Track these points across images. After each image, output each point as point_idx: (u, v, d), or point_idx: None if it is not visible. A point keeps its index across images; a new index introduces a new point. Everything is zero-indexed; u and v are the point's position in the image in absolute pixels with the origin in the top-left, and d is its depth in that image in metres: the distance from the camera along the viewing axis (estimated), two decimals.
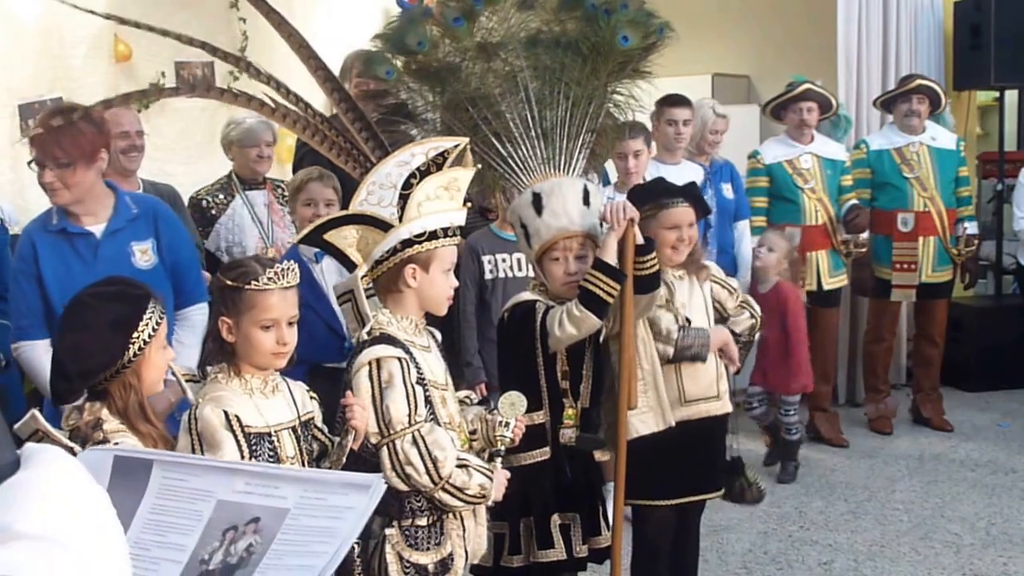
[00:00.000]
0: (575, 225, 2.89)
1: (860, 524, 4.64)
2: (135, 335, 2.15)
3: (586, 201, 2.92)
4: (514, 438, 2.61)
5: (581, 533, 3.00)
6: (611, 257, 2.84)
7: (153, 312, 2.20)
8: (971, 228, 5.92)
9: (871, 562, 4.23)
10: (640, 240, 2.91)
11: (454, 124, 3.01)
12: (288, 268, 2.30)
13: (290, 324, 2.31)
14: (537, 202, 2.91)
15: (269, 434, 2.25)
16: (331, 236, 2.52)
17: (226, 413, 2.20)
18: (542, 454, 2.91)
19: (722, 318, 3.41)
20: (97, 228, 3.18)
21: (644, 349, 3.12)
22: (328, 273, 3.66)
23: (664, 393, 3.14)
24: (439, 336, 2.72)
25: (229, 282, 2.28)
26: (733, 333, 3.38)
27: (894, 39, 6.60)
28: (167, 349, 2.27)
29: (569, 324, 2.83)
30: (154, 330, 2.18)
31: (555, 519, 2.96)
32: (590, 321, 2.83)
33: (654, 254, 2.94)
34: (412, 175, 2.49)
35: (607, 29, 3.02)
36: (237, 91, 2.77)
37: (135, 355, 2.16)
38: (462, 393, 2.79)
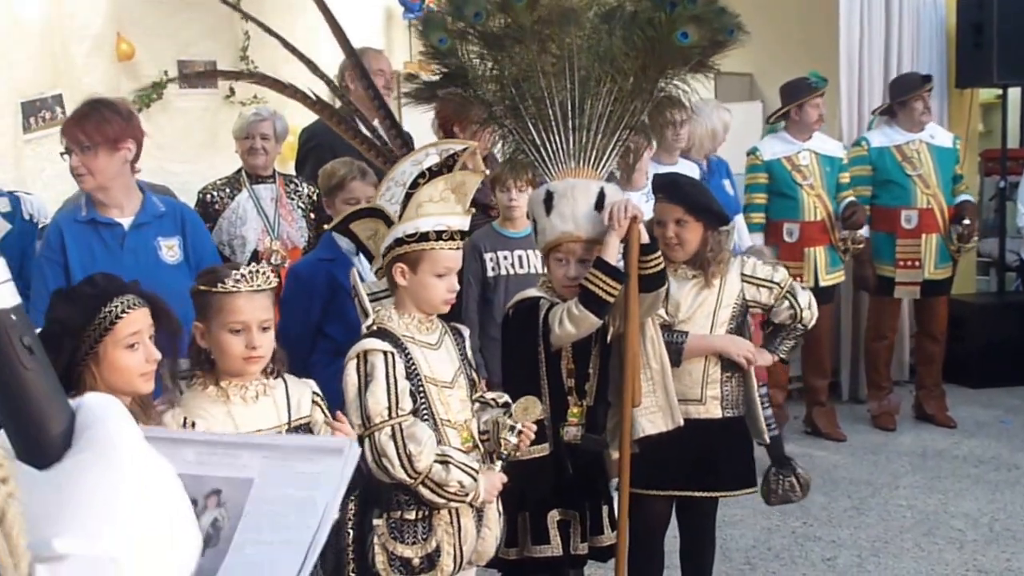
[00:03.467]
0: (580, 230, 2.88)
1: (863, 520, 4.64)
2: (83, 336, 2.06)
3: (599, 206, 2.88)
4: (519, 444, 2.61)
5: (582, 531, 3.00)
6: (612, 257, 2.83)
7: (108, 312, 2.06)
8: (965, 196, 5.88)
9: (875, 558, 4.24)
10: (645, 239, 2.89)
11: (496, 101, 2.99)
12: (258, 271, 2.26)
13: (263, 329, 2.26)
14: (549, 201, 2.91)
15: None
16: (355, 227, 2.58)
17: (185, 420, 2.18)
18: (541, 450, 2.90)
19: (767, 312, 3.32)
20: (125, 220, 3.23)
21: (652, 348, 3.07)
22: (367, 264, 3.69)
23: (673, 393, 3.08)
24: (467, 333, 2.74)
25: (200, 287, 2.27)
26: (775, 326, 3.33)
27: (896, 37, 6.57)
28: (138, 349, 2.10)
29: (569, 322, 2.83)
30: (106, 330, 2.06)
31: (554, 515, 2.96)
32: (589, 320, 2.83)
33: (658, 253, 2.92)
34: (421, 175, 2.51)
35: (666, 24, 2.91)
36: (273, 78, 2.81)
37: (84, 356, 2.07)
38: (490, 394, 2.78)
